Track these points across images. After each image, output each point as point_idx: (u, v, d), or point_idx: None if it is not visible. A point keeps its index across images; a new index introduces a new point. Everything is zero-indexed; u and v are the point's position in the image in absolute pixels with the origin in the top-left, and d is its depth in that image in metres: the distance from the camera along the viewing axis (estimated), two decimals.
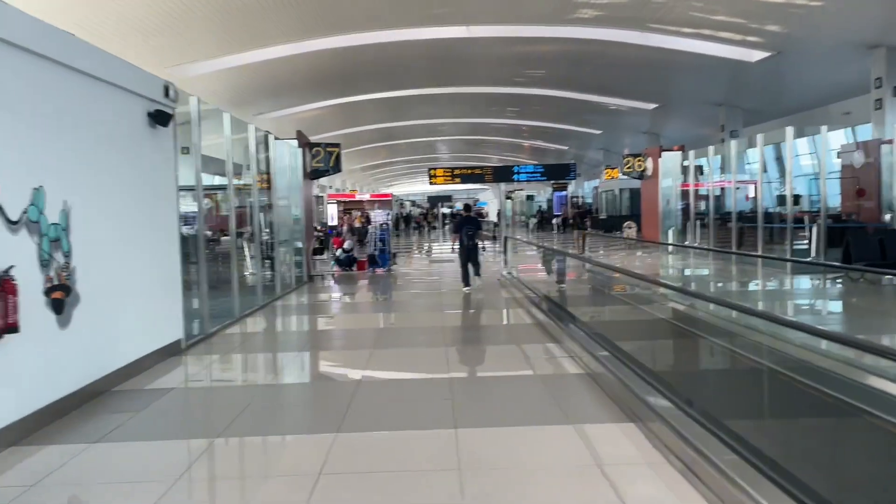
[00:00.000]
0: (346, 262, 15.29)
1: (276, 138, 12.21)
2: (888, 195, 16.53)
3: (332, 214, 29.60)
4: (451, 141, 44.35)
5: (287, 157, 12.73)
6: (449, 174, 18.21)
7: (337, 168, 14.67)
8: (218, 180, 14.67)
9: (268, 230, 11.68)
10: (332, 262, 15.14)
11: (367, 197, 35.41)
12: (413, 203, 59.93)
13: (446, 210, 50.75)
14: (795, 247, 16.15)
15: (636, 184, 30.27)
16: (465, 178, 18.69)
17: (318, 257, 14.15)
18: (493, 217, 41.48)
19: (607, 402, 5.28)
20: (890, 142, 16.60)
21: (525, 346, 7.50)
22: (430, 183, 18.23)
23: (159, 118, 7.13)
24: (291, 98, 27.15)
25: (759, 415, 4.54)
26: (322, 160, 14.34)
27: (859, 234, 11.86)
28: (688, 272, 14.76)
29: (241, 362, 7.46)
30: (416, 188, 70.75)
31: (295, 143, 13.60)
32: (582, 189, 47.53)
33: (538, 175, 18.21)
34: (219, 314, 9.49)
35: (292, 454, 4.60)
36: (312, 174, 14.63)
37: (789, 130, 14.54)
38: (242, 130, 10.73)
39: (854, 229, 13.48)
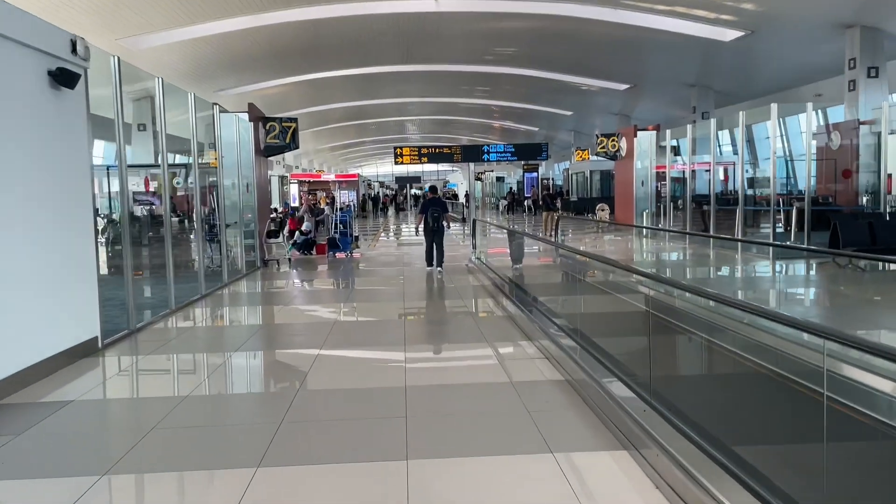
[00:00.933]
0: (305, 246, 14.09)
1: (224, 110, 10.95)
2: (865, 177, 15.86)
3: (295, 195, 28.15)
4: (420, 121, 43.09)
5: (237, 132, 11.45)
6: (416, 153, 17.03)
7: (294, 144, 13.40)
8: (179, 158, 13.43)
9: (210, 210, 10.47)
10: (289, 246, 13.93)
11: (332, 177, 33.82)
12: (381, 184, 58.45)
13: (417, 191, 49.48)
14: (765, 230, 15.38)
15: (607, 165, 29.42)
16: (433, 158, 17.52)
17: (273, 240, 12.93)
18: (462, 199, 40.29)
19: (593, 420, 4.27)
20: (869, 122, 15.89)
21: (494, 344, 6.48)
22: (396, 163, 17.05)
23: (63, 78, 5.89)
24: (254, 74, 25.70)
25: (788, 439, 3.58)
26: (277, 136, 13.07)
27: (847, 218, 11.03)
28: (671, 258, 13.81)
29: (164, 365, 6.30)
30: (385, 169, 69.23)
31: (246, 116, 12.29)
32: (552, 171, 46.58)
33: (509, 155, 17.13)
34: (150, 305, 8.33)
35: (195, 499, 3.51)
36: (267, 151, 13.34)
37: (774, 108, 13.67)
38: (181, 99, 9.47)
39: (841, 213, 12.69)
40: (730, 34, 18.90)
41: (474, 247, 12.53)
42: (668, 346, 4.53)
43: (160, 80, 8.25)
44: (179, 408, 4.76)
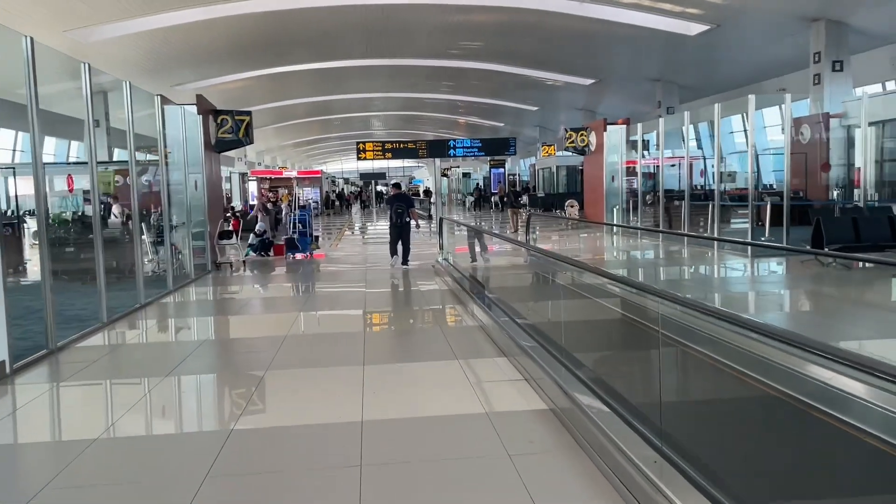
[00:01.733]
0: (261, 248, 13.02)
1: (167, 101, 9.86)
2: (835, 171, 15.41)
3: (254, 192, 26.76)
4: (385, 117, 41.98)
5: (183, 126, 10.37)
6: (380, 149, 16.08)
7: (248, 139, 12.33)
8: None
9: (156, 211, 9.41)
10: (247, 250, 12.80)
11: (294, 174, 32.42)
12: (346, 181, 56.96)
13: (382, 188, 48.31)
14: (736, 226, 14.81)
15: (574, 161, 28.77)
16: (398, 153, 16.58)
17: (226, 242, 11.82)
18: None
19: (587, 468, 3.44)
20: (840, 115, 15.44)
21: (466, 361, 5.61)
22: (359, 158, 16.08)
23: None
24: (213, 67, 24.43)
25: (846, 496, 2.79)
26: (230, 130, 11.99)
27: (828, 213, 10.42)
28: (660, 262, 12.79)
29: (79, 395, 5.30)
30: (350, 165, 67.68)
31: (194, 109, 11.18)
32: (518, 166, 45.86)
33: (476, 150, 16.29)
34: (77, 319, 7.28)
35: None
36: (218, 146, 12.24)
37: (751, 99, 13.03)
38: (117, 89, 8.40)
39: (813, 207, 12.09)
40: (695, 28, 18.46)
41: (441, 247, 11.63)
42: (685, 375, 3.71)
43: (86, 65, 7.19)
44: (84, 456, 3.80)
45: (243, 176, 28.21)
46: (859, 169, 14.53)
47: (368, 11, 18.78)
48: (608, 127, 17.68)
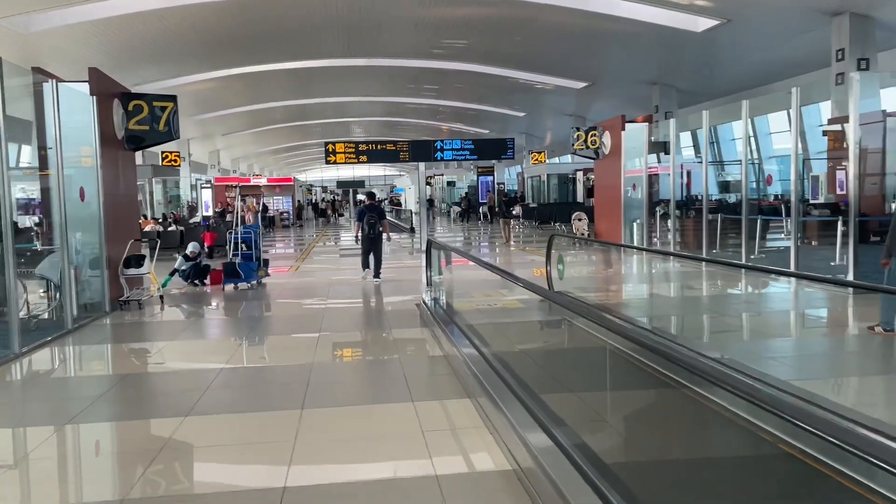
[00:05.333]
0: (193, 275, 9.31)
1: (43, 73, 6.20)
2: (893, 180, 12.23)
3: (207, 202, 22.77)
4: (366, 123, 38.33)
5: (55, 109, 6.69)
6: (352, 150, 12.56)
7: (172, 132, 8.63)
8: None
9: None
10: (165, 279, 8.90)
11: (263, 182, 28.34)
12: (324, 188, 52.65)
13: (362, 196, 44.46)
14: (776, 244, 11.49)
15: (566, 168, 25.47)
16: (374, 156, 13.02)
17: (133, 272, 7.93)
18: (410, 205, 34.69)
19: None
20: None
21: None
22: (328, 161, 12.60)
23: None
24: (178, 65, 20.79)
25: None
26: (145, 120, 8.32)
27: None
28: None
29: None
30: (330, 174, 63.47)
31: (84, 87, 7.41)
32: (505, 175, 42.13)
33: (467, 153, 12.83)
34: None
35: None
36: (130, 140, 8.52)
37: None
38: None
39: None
40: (703, 23, 15.38)
41: (429, 283, 7.78)
42: None
43: None
44: None
45: (207, 182, 24.41)
46: None
47: (344, 4, 15.42)
48: (627, 125, 14.08)
